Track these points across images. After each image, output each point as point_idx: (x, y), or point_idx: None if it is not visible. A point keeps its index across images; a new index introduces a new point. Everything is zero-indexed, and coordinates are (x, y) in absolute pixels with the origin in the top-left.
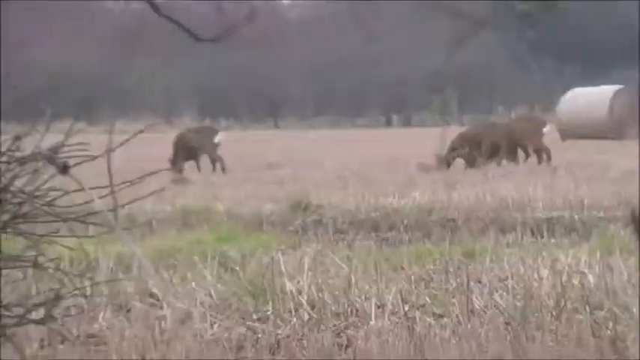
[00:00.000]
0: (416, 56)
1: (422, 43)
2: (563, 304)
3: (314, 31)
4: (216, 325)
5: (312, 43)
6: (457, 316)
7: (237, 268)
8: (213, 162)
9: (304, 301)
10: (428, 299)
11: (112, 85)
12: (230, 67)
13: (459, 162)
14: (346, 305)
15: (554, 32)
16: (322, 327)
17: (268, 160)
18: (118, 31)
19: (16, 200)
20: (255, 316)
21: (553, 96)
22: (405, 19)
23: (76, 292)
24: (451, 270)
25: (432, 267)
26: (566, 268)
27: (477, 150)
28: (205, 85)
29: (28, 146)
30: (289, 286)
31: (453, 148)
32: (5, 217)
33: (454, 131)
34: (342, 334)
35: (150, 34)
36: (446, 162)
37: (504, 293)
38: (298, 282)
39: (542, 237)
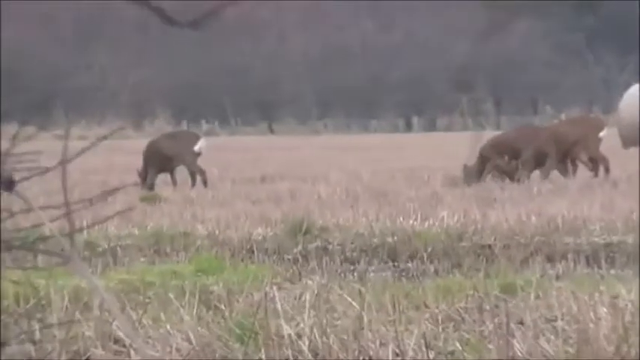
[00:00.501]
0: (441, 47)
1: (448, 31)
2: (625, 350)
3: (317, 18)
4: None
5: (314, 32)
6: None
7: (223, 307)
8: (193, 175)
9: (305, 348)
10: (458, 345)
11: (70, 81)
12: (214, 59)
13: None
14: (357, 352)
15: (616, 19)
16: None
17: (261, 172)
18: (77, 16)
19: None
20: None
21: (614, 94)
22: (427, 4)
23: (23, 336)
24: (487, 308)
25: (463, 305)
26: (629, 305)
27: (513, 160)
28: (183, 82)
29: None
30: (287, 328)
31: (482, 158)
32: None
33: (489, 136)
34: None
35: (116, 19)
36: (475, 174)
37: (552, 337)
38: (298, 324)
39: (600, 267)
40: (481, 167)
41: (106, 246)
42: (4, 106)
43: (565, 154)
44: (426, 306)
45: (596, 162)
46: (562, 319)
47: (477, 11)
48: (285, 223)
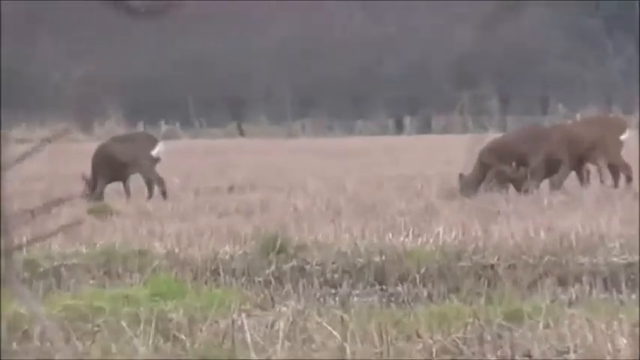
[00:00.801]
0: (439, 37)
1: (447, 19)
2: None
3: (295, 5)
4: None
5: (292, 21)
6: None
7: (183, 337)
8: (150, 184)
9: None
10: None
11: (7, 75)
12: (175, 50)
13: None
14: None
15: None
16: None
17: (229, 180)
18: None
19: None
20: None
21: (637, 90)
22: None
23: None
24: (489, 339)
25: (461, 335)
26: None
27: (521, 167)
28: (139, 76)
29: None
30: None
31: (481, 165)
32: None
33: (491, 139)
34: None
35: (61, 5)
36: (473, 184)
37: None
38: (270, 356)
39: (620, 291)
40: (480, 176)
41: (49, 266)
42: None
43: (580, 159)
44: (419, 336)
45: (617, 169)
46: (575, 351)
47: None
48: (256, 240)
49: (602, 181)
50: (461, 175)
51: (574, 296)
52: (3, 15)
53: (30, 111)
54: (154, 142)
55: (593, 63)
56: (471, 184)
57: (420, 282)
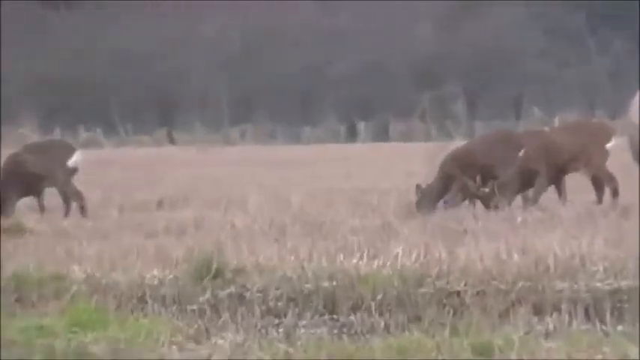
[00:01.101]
0: (397, 33)
1: (409, 12)
2: None
3: None
4: None
5: (232, 14)
6: None
7: None
8: (67, 199)
9: None
10: None
11: None
12: (97, 47)
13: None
14: None
15: None
16: None
17: (158, 194)
18: None
19: None
20: None
21: (623, 91)
22: None
23: None
24: None
25: None
26: None
27: (491, 179)
28: (55, 76)
29: None
30: None
31: (443, 175)
32: None
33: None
34: None
35: None
36: (432, 198)
37: None
38: None
39: (603, 322)
40: (440, 188)
41: None
42: None
43: (559, 171)
44: None
45: (601, 182)
46: None
47: None
48: (188, 263)
49: (598, 193)
50: (418, 186)
51: (551, 327)
52: None
53: None
54: (70, 151)
55: (573, 61)
56: (430, 198)
57: (375, 311)
